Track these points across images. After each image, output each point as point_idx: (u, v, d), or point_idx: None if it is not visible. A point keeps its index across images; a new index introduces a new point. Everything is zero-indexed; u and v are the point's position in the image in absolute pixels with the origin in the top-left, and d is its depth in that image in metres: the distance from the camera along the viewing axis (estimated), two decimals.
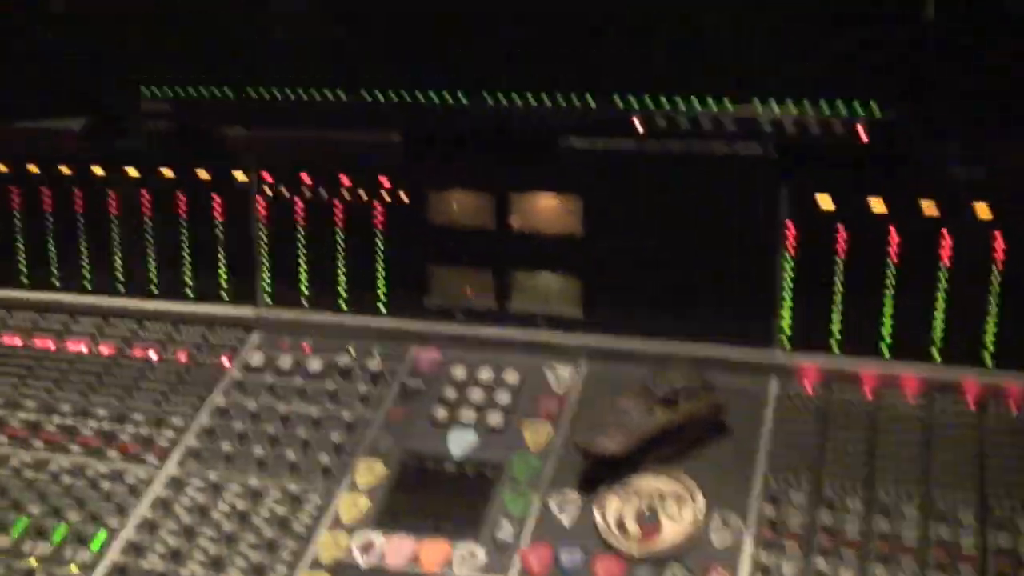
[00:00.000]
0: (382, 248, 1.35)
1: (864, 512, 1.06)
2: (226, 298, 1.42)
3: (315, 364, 1.34)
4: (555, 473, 1.16)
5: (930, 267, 1.16)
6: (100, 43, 1.36)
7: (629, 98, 1.18)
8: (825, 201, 1.18)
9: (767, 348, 1.23)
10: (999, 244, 1.13)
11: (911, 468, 1.09)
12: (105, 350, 1.41)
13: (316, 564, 1.10)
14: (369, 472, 1.19)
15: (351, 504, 1.16)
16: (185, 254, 1.42)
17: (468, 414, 1.24)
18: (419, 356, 1.33)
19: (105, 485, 1.22)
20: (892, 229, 1.16)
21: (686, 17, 1.14)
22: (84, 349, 1.41)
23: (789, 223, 1.20)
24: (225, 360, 1.37)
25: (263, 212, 1.38)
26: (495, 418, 1.23)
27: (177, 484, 1.21)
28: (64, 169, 1.43)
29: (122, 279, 1.45)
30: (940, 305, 1.16)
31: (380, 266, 1.35)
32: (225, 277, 1.42)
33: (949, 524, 1.03)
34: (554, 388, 1.27)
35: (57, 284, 1.48)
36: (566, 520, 1.11)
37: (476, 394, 1.26)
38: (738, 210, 1.21)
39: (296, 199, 1.36)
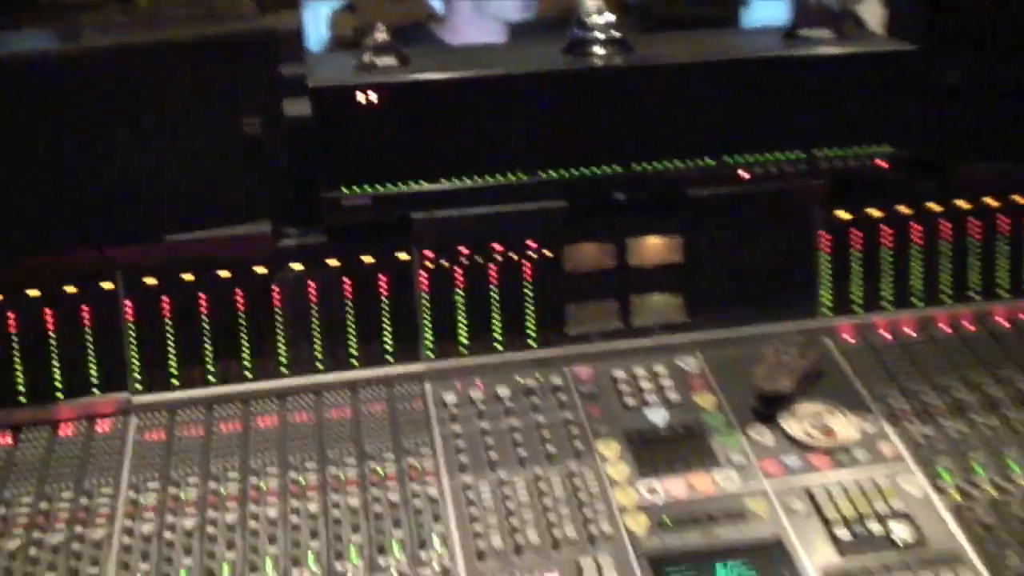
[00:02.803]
0: (531, 295, 1.76)
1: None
2: (391, 360, 1.74)
3: (503, 391, 1.70)
4: (737, 417, 1.65)
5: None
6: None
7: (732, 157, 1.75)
8: (843, 214, 1.81)
9: (813, 318, 1.82)
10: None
11: None
12: (306, 417, 1.66)
13: (625, 510, 1.50)
14: (608, 448, 1.60)
15: (614, 470, 1.56)
16: (351, 327, 1.72)
17: (650, 397, 1.69)
18: (577, 372, 1.75)
19: (414, 503, 1.51)
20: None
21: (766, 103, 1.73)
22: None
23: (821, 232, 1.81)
24: (419, 404, 1.68)
25: (425, 283, 1.73)
26: (672, 395, 1.69)
27: (468, 490, 1.53)
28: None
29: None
30: None
31: (529, 309, 1.76)
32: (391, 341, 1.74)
33: None
34: (693, 371, 1.75)
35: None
36: (769, 440, 1.60)
37: (644, 383, 1.71)
38: (785, 227, 1.81)
39: (455, 268, 1.73)
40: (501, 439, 1.62)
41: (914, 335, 1.83)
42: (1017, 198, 1.87)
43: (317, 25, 4.68)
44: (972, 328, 1.84)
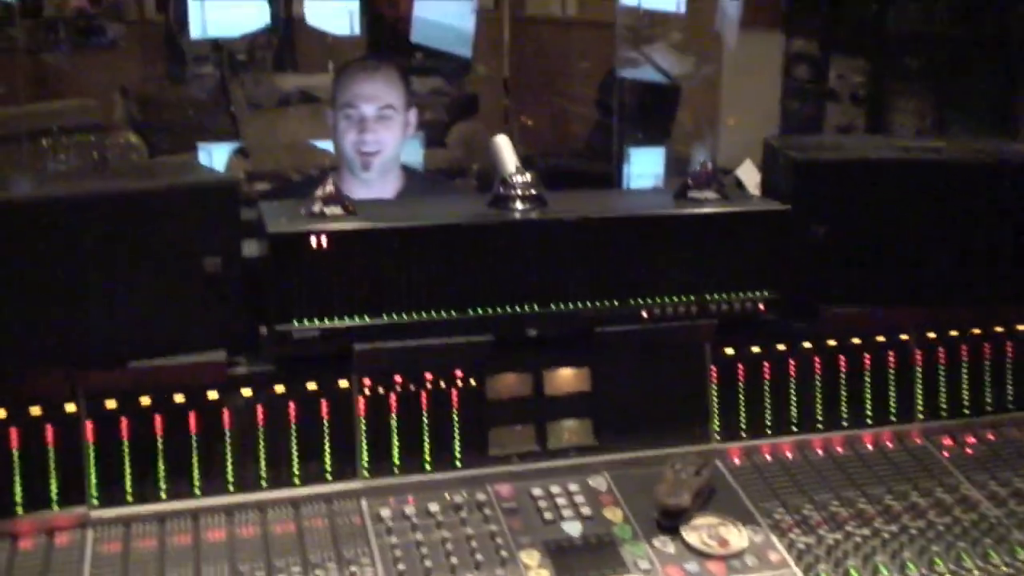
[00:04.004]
0: (458, 420, 1.95)
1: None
2: (330, 479, 1.89)
3: (433, 506, 1.87)
4: (643, 529, 1.85)
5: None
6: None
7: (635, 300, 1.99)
8: (729, 351, 2.07)
9: (706, 442, 2.05)
10: None
11: None
12: (252, 531, 1.80)
13: None
14: (530, 557, 1.79)
15: (534, 574, 1.74)
16: (294, 448, 1.88)
17: (566, 512, 1.88)
18: (499, 489, 1.93)
19: None
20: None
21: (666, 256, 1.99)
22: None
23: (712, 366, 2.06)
24: (357, 519, 1.84)
25: (362, 409, 1.90)
26: (585, 510, 1.89)
27: None
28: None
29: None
30: None
31: (456, 433, 1.95)
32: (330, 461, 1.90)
33: None
34: (602, 488, 1.95)
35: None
36: (671, 549, 1.81)
37: (560, 500, 1.91)
38: (681, 361, 2.05)
39: (390, 394, 1.92)
40: (434, 549, 1.79)
41: (792, 457, 2.08)
42: (879, 337, 2.16)
43: (212, 165, 4.89)
44: (842, 451, 2.10)
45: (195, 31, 6.19)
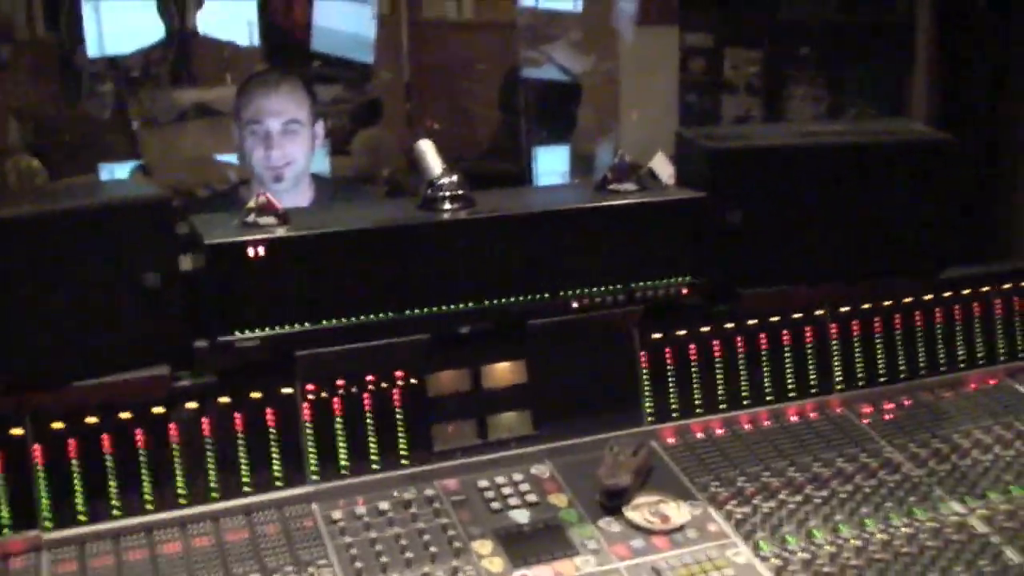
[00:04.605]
0: (401, 418, 1.99)
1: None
2: (280, 485, 1.92)
3: (383, 505, 1.91)
4: (588, 512, 1.92)
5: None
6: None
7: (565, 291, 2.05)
8: (657, 335, 2.15)
9: (640, 425, 2.13)
10: None
11: None
12: (207, 541, 1.82)
13: None
14: (482, 547, 1.84)
15: (490, 563, 1.81)
16: (242, 458, 1.91)
17: (512, 500, 1.95)
18: (446, 484, 1.98)
19: None
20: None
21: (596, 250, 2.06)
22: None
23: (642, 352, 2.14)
24: (309, 522, 1.87)
25: (307, 414, 1.94)
26: (531, 497, 1.96)
27: None
28: (157, 409, 1.85)
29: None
30: None
31: (400, 431, 1.99)
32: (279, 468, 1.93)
33: None
34: (545, 476, 2.02)
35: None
36: (616, 528, 1.88)
37: (506, 489, 1.97)
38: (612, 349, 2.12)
39: (334, 398, 1.95)
40: (388, 546, 1.83)
41: (722, 433, 2.17)
42: (795, 315, 2.27)
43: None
44: (769, 424, 2.20)
45: (90, 48, 6.14)
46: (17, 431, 1.79)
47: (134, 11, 5.86)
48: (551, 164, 5.71)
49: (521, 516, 1.92)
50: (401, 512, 1.91)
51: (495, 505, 1.94)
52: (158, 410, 1.88)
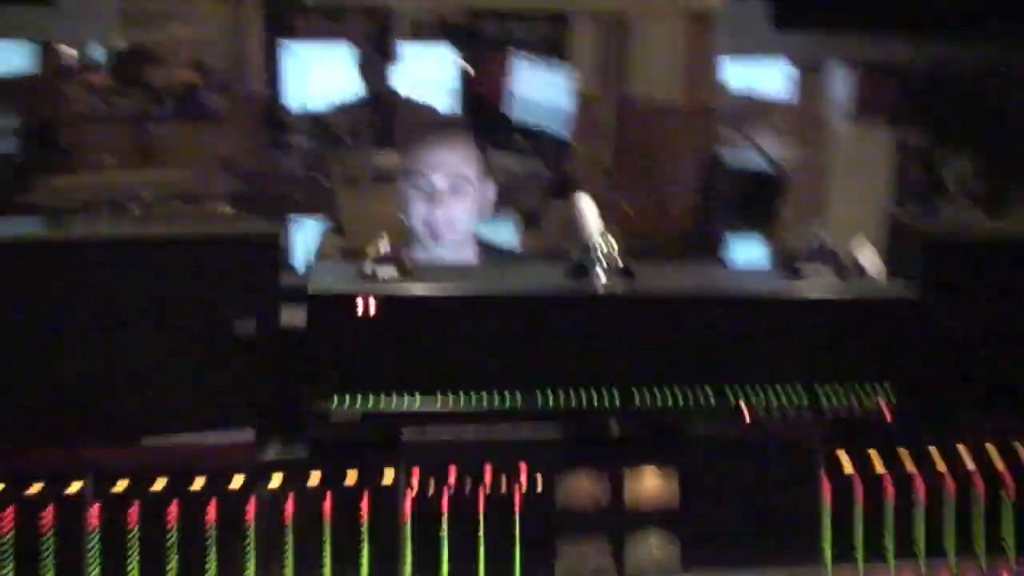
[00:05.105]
0: (519, 529, 1.66)
1: None
2: None
3: None
4: None
5: None
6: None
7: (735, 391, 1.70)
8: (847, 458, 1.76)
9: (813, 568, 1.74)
10: None
11: None
12: None
13: None
14: None
15: None
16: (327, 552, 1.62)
17: None
18: None
19: None
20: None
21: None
22: None
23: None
24: None
25: (409, 508, 1.64)
26: None
27: None
28: (236, 481, 1.59)
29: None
30: None
31: (516, 545, 1.67)
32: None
33: None
34: None
35: None
36: None
37: None
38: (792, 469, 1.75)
39: (442, 493, 1.65)
40: None
41: None
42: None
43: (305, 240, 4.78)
44: None
45: (292, 103, 6.27)
46: (74, 488, 1.57)
47: (334, 68, 5.96)
48: (748, 255, 5.38)
49: None
50: None
51: None
52: (237, 482, 1.62)
